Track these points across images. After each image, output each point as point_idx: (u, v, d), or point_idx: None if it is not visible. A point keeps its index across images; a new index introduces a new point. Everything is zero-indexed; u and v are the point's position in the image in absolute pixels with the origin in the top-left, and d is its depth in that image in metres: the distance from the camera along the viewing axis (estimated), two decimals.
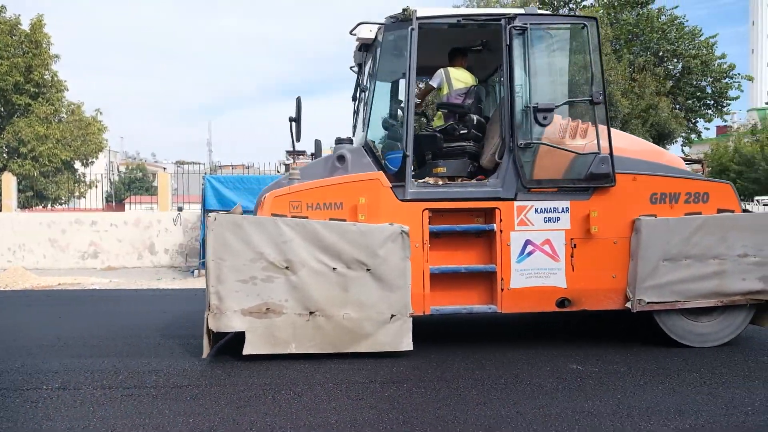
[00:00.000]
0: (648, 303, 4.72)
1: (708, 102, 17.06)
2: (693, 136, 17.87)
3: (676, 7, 16.95)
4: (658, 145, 15.12)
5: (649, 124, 13.79)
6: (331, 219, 4.63)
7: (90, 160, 21.77)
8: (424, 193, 4.85)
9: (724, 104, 16.94)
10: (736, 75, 16.45)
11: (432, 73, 5.44)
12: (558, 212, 4.87)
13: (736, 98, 16.96)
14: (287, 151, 5.93)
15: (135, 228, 13.15)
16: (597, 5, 16.32)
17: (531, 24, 4.84)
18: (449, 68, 5.38)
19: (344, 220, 4.63)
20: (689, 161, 15.56)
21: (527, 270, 4.81)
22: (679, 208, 4.90)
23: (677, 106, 16.51)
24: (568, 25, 5.35)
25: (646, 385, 3.90)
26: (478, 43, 5.53)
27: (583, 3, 16.59)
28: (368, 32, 5.10)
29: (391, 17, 5.01)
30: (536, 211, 4.84)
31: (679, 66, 16.43)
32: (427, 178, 5.03)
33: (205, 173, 15.84)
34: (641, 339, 5.10)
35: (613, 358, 4.60)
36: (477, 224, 4.90)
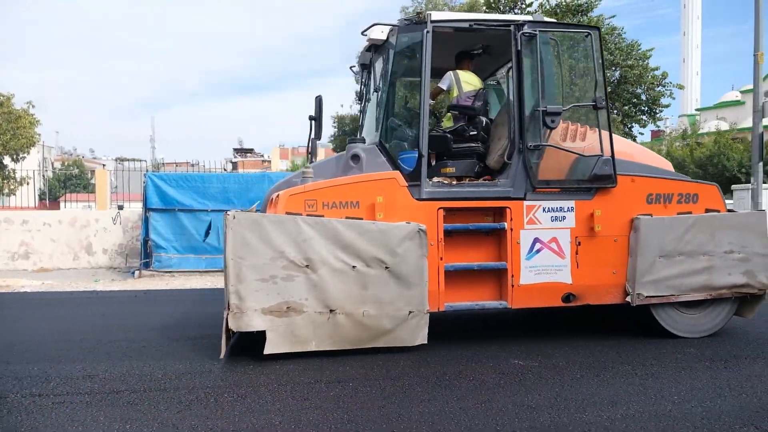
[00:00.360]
0: (646, 297, 5.00)
1: (643, 108, 17.91)
2: (629, 139, 18.73)
3: (614, 16, 17.71)
4: None
5: None
6: (347, 218, 4.65)
7: (21, 156, 20.59)
8: (439, 192, 4.95)
9: (657, 111, 17.81)
10: (668, 83, 17.37)
11: (439, 74, 5.53)
12: (564, 211, 5.09)
13: (668, 105, 17.84)
14: (308, 153, 5.85)
15: (71, 227, 12.54)
16: (541, 11, 16.80)
17: (540, 31, 5.01)
18: (458, 71, 5.50)
19: (361, 219, 4.68)
20: None
21: (536, 267, 5.00)
22: (672, 208, 5.22)
23: (615, 111, 17.24)
24: (573, 34, 5.59)
25: (583, 378, 4.06)
26: (479, 47, 5.70)
27: (528, 9, 17.04)
28: (380, 33, 5.16)
29: (405, 19, 5.15)
30: (544, 210, 5.04)
31: (617, 74, 17.17)
32: (440, 178, 5.13)
33: (147, 170, 15.31)
34: (583, 333, 5.31)
35: (553, 352, 4.76)
36: (488, 223, 5.04)
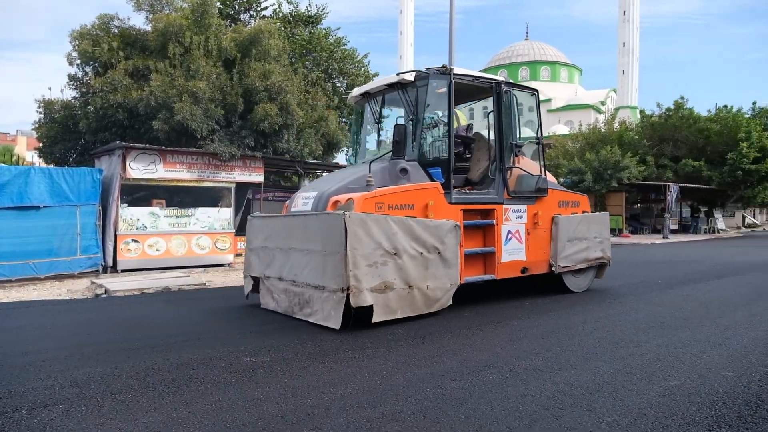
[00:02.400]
0: (562, 267, 7.78)
1: None
2: None
3: (339, 28, 19.32)
4: (328, 152, 16.97)
5: (320, 134, 15.33)
6: (406, 216, 6.15)
7: None
8: (461, 198, 6.91)
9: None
10: None
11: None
12: (522, 212, 7.52)
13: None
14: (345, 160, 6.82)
15: None
16: (275, 18, 17.33)
17: (513, 87, 7.47)
18: (455, 109, 7.18)
19: (411, 218, 6.17)
20: None
21: (509, 250, 7.30)
22: (569, 210, 8.13)
23: (343, 120, 18.84)
24: (526, 92, 7.92)
25: (309, 366, 4.40)
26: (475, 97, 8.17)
27: (263, 12, 17.38)
28: (410, 76, 6.92)
29: (434, 69, 6.86)
30: (512, 211, 7.39)
31: (345, 84, 18.79)
32: (459, 188, 7.07)
33: None
34: (304, 327, 5.69)
35: (284, 347, 5.03)
36: (478, 220, 7.10)
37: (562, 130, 50.21)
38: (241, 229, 14.35)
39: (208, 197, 13.13)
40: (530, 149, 8.31)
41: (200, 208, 12.56)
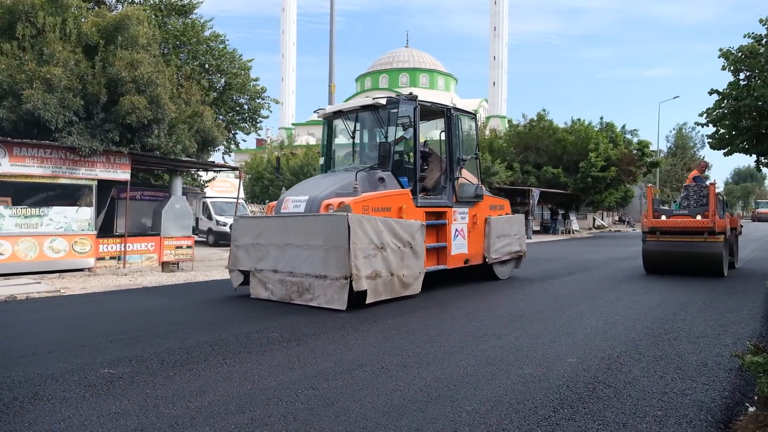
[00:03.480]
0: (493, 259, 9.75)
1: (246, 117, 19.39)
2: (233, 145, 19.91)
3: (212, 19, 18.55)
4: (203, 150, 16.21)
5: (194, 130, 14.60)
6: (386, 217, 7.48)
7: None
8: (424, 202, 8.45)
9: (258, 121, 19.61)
10: (267, 97, 19.32)
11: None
12: (464, 214, 9.25)
13: (267, 117, 19.85)
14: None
15: None
16: (144, 5, 16.21)
17: (459, 112, 9.32)
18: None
19: (391, 218, 7.54)
20: (228, 168, 17.04)
21: (456, 245, 8.97)
22: (497, 212, 10.07)
23: (220, 117, 18.10)
24: (469, 115, 9.83)
25: (175, 375, 4.18)
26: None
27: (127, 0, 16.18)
28: (382, 100, 8.42)
29: (403, 96, 8.43)
30: (458, 213, 9.10)
31: (222, 81, 18.07)
32: (422, 194, 8.54)
33: None
34: (178, 332, 5.40)
35: (148, 356, 4.73)
36: (433, 220, 8.60)
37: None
38: (104, 230, 13.25)
39: (66, 196, 11.95)
40: (470, 163, 9.90)
41: (54, 208, 11.39)
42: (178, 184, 14.36)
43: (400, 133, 8.46)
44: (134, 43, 12.71)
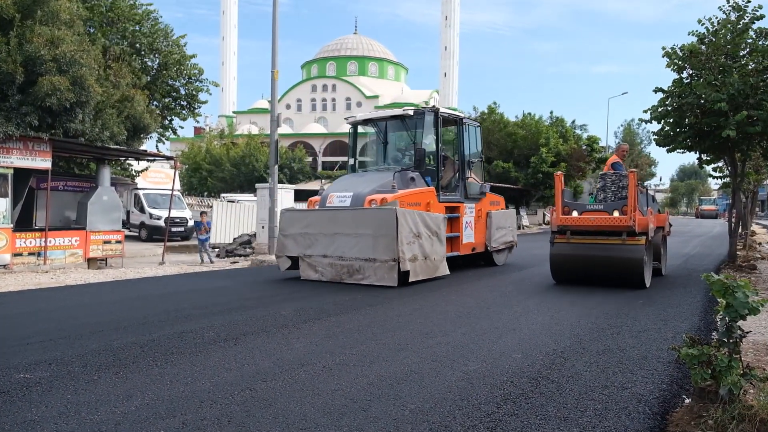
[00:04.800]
0: (493, 247, 11.92)
1: (182, 102, 18.81)
2: (169, 133, 19.29)
3: None
4: (134, 138, 15.64)
5: (124, 116, 14.06)
6: (419, 211, 9.52)
7: None
8: (444, 198, 10.66)
9: (196, 106, 19.06)
10: (205, 80, 18.82)
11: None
12: (472, 209, 11.41)
13: (206, 102, 19.34)
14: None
15: None
16: None
17: (469, 122, 11.90)
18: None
19: (423, 212, 9.62)
20: (162, 157, 16.54)
21: (466, 235, 11.08)
22: (495, 207, 12.44)
23: (154, 102, 17.50)
24: (476, 124, 12.39)
25: (100, 379, 4.05)
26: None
27: None
28: (410, 111, 10.84)
29: (427, 108, 10.95)
30: (468, 207, 11.21)
31: (156, 62, 17.44)
32: (442, 192, 10.73)
33: None
34: (100, 335, 5.22)
35: (70, 359, 4.56)
36: (450, 214, 10.69)
37: None
38: (22, 223, 12.58)
39: None
40: (476, 165, 12.24)
41: None
42: (106, 174, 13.83)
43: (427, 139, 10.78)
44: (55, 18, 12.11)
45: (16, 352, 4.79)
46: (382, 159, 11.70)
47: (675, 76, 11.53)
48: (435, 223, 9.59)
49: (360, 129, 11.89)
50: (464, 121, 11.52)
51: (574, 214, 8.89)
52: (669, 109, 11.40)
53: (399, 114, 10.88)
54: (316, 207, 10.20)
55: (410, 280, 8.83)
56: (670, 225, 11.80)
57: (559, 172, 9.73)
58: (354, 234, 9.08)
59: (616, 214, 8.47)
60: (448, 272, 9.83)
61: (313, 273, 9.61)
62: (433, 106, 10.78)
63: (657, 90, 11.58)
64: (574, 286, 9.05)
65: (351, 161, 11.89)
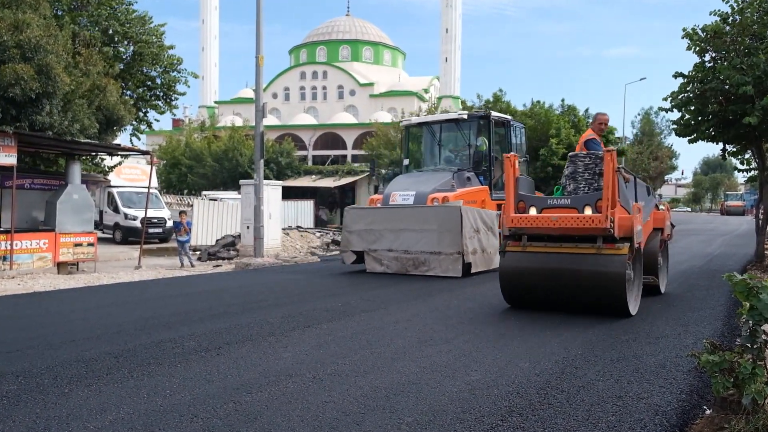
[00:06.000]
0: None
1: (158, 93, 18.81)
2: (143, 126, 19.29)
3: None
4: (107, 131, 15.66)
5: (95, 107, 14.08)
6: (476, 208, 11.44)
7: None
8: (495, 196, 12.47)
9: (173, 98, 19.06)
10: (183, 70, 18.81)
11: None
12: None
13: (184, 93, 19.30)
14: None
15: None
16: None
17: (516, 123, 14.61)
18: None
19: (480, 209, 11.53)
20: (137, 152, 16.55)
21: None
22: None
23: (128, 93, 17.50)
24: (521, 126, 14.96)
25: (71, 392, 4.08)
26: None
27: None
28: (465, 115, 13.50)
29: (479, 113, 14.40)
30: None
31: (131, 50, 17.45)
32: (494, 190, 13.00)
33: None
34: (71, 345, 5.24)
35: (39, 371, 4.59)
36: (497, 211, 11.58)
37: (385, 117, 52.68)
38: None
39: None
40: (521, 165, 12.77)
41: None
42: (76, 170, 13.84)
43: (479, 141, 12.96)
44: (19, 1, 12.11)
45: None
46: (438, 160, 13.89)
47: (696, 59, 11.58)
48: (490, 219, 11.37)
49: (417, 132, 14.53)
50: (511, 123, 13.90)
51: (532, 211, 6.93)
52: (690, 95, 11.47)
53: (453, 118, 13.46)
54: (378, 205, 12.10)
55: (472, 271, 10.56)
56: (673, 226, 9.79)
57: (512, 153, 7.77)
58: (419, 229, 10.75)
59: (588, 211, 6.53)
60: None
61: (378, 266, 11.20)
62: (486, 111, 14.04)
63: (677, 75, 11.65)
64: None
65: (406, 161, 14.31)
